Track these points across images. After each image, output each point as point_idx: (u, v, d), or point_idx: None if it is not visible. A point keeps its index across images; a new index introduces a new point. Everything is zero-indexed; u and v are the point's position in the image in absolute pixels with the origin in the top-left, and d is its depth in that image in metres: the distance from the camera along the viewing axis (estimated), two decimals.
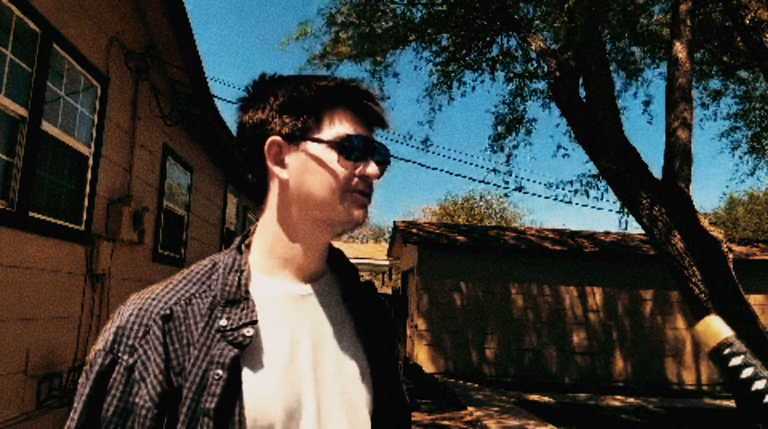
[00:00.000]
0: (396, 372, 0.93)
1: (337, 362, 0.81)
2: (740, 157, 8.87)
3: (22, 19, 3.09)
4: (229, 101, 13.27)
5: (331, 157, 0.76)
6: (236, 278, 0.76)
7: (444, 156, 21.46)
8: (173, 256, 5.99)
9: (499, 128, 7.05)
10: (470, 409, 7.19)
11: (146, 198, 5.04)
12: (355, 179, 0.78)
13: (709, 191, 58.71)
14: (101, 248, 4.06)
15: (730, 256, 4.43)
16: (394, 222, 13.39)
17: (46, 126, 3.36)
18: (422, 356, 10.40)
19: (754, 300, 10.27)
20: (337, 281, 0.89)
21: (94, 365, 0.70)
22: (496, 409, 7.29)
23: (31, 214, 3.22)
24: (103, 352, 0.71)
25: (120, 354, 0.70)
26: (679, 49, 4.81)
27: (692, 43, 4.96)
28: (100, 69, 4.04)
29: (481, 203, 30.98)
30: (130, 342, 0.70)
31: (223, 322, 0.72)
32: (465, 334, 10.53)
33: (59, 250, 3.59)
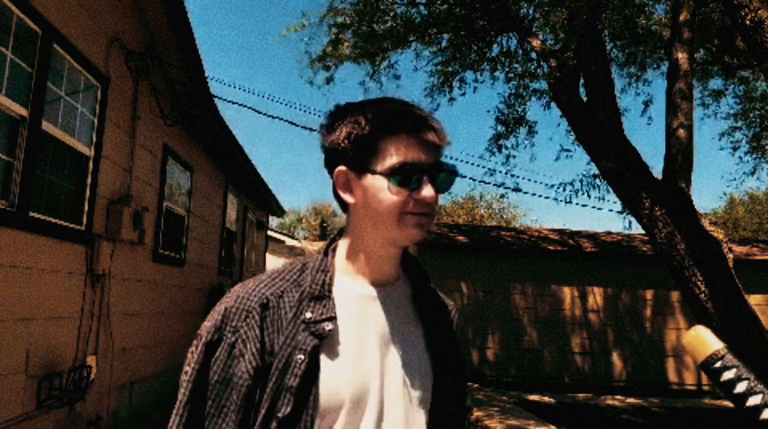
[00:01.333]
0: (458, 368, 1.01)
1: (402, 358, 0.91)
2: (740, 158, 8.87)
3: (22, 19, 3.08)
4: (229, 101, 13.26)
5: (384, 185, 0.85)
6: (322, 278, 0.89)
7: (444, 155, 21.49)
8: (173, 256, 5.99)
9: (499, 128, 7.04)
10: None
11: (146, 198, 5.04)
12: (411, 203, 0.86)
13: (709, 191, 58.70)
14: (101, 248, 4.06)
15: (731, 256, 4.43)
16: None
17: (46, 126, 3.35)
18: None
19: (754, 300, 10.27)
20: (408, 285, 1.00)
21: (205, 340, 0.84)
22: (496, 409, 7.29)
23: (31, 214, 3.22)
24: (213, 328, 0.84)
25: (225, 332, 0.84)
26: (679, 50, 4.81)
27: (692, 43, 4.95)
28: (100, 69, 4.04)
29: (481, 203, 30.98)
30: (234, 323, 0.84)
31: (308, 315, 0.85)
32: (465, 334, 10.53)
33: (59, 250, 3.59)
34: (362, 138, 0.86)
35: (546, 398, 8.56)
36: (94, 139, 4.03)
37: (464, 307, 10.64)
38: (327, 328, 0.83)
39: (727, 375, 0.74)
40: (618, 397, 9.15)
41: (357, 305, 0.89)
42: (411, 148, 0.85)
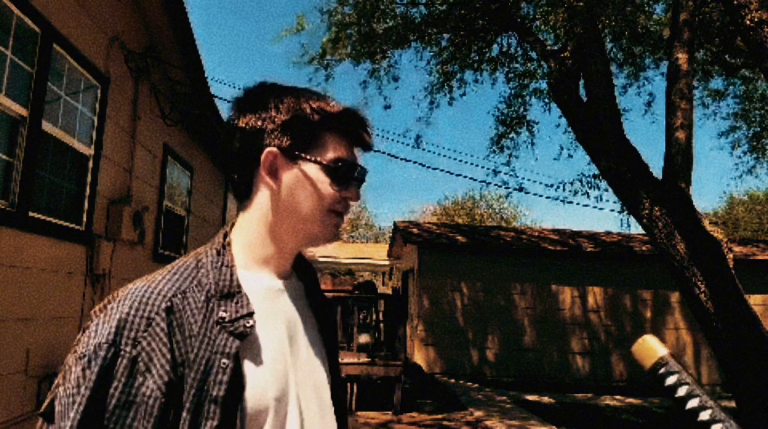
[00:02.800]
0: (338, 360, 1.02)
1: (307, 351, 0.89)
2: (739, 157, 8.87)
3: (22, 19, 3.08)
4: (229, 101, 13.32)
5: (323, 178, 0.83)
6: (228, 273, 0.81)
7: (445, 156, 21.56)
8: (174, 256, 5.99)
9: (500, 129, 7.04)
10: (471, 409, 7.19)
11: (146, 198, 5.04)
12: (340, 202, 0.85)
13: (709, 191, 58.69)
14: (101, 248, 4.06)
15: (731, 256, 4.43)
16: (394, 222, 13.39)
17: (46, 126, 3.35)
18: (422, 356, 10.40)
19: (754, 300, 10.27)
20: (300, 280, 0.97)
21: (96, 358, 0.70)
22: (496, 409, 7.29)
23: (31, 214, 3.22)
24: (105, 345, 0.71)
25: (122, 346, 0.71)
26: (679, 50, 4.81)
27: (692, 43, 4.95)
28: (100, 69, 4.04)
29: (481, 203, 31.01)
30: (132, 334, 0.72)
31: (222, 315, 0.76)
32: (465, 334, 10.53)
33: (59, 250, 3.59)
34: (307, 125, 0.82)
35: (546, 398, 8.56)
36: (94, 139, 4.03)
37: (464, 307, 10.64)
38: (248, 325, 0.76)
39: (671, 380, 0.81)
40: (618, 397, 9.15)
41: (266, 299, 0.84)
42: (351, 148, 0.86)
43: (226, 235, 0.88)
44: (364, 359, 6.77)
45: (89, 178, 3.96)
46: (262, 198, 0.85)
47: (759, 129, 8.29)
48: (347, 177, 0.84)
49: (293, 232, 0.85)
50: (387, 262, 20.29)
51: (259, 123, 0.83)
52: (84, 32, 3.78)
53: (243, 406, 0.74)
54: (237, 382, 0.74)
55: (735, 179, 23.69)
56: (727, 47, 6.82)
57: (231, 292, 0.79)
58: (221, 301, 0.78)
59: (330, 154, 0.83)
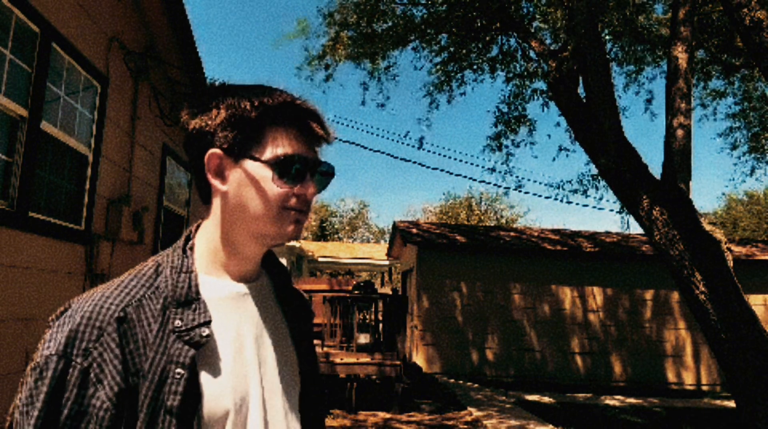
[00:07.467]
0: (315, 361, 1.01)
1: (275, 354, 0.87)
2: (739, 158, 8.87)
3: (21, 19, 3.08)
4: None
5: (268, 176, 0.79)
6: (186, 280, 0.79)
7: (444, 156, 21.57)
8: None
9: (499, 128, 7.05)
10: (470, 409, 7.19)
11: (146, 198, 5.04)
12: (293, 199, 0.81)
13: (709, 191, 58.72)
14: (101, 248, 4.06)
15: (730, 256, 4.43)
16: (394, 222, 13.39)
17: (45, 126, 3.35)
18: (422, 356, 10.40)
19: (754, 300, 10.27)
20: (270, 281, 0.95)
21: (47, 370, 0.70)
22: (496, 409, 7.29)
23: (30, 214, 3.22)
24: (56, 356, 0.70)
25: (73, 357, 0.70)
26: (679, 50, 4.81)
27: (692, 42, 4.95)
28: (99, 69, 4.04)
29: (481, 203, 31.02)
30: (83, 345, 0.71)
31: (177, 323, 0.75)
32: (465, 334, 10.53)
33: (59, 250, 3.59)
34: (247, 122, 0.79)
35: (546, 398, 8.57)
36: (94, 139, 4.03)
37: (464, 307, 10.64)
38: (203, 334, 0.75)
39: None
40: (618, 397, 9.15)
41: (229, 305, 0.83)
42: (299, 141, 0.81)
43: (188, 239, 0.86)
44: (363, 359, 6.77)
45: (89, 178, 3.96)
46: (216, 201, 0.84)
47: (758, 129, 8.29)
48: (297, 172, 0.80)
49: (248, 233, 0.83)
50: (387, 262, 20.29)
51: (203, 125, 0.81)
52: (83, 32, 3.78)
53: (200, 415, 0.73)
54: (193, 392, 0.73)
55: (733, 180, 23.74)
56: (727, 47, 6.82)
57: (189, 300, 0.77)
58: (178, 309, 0.76)
59: (274, 150, 0.79)
